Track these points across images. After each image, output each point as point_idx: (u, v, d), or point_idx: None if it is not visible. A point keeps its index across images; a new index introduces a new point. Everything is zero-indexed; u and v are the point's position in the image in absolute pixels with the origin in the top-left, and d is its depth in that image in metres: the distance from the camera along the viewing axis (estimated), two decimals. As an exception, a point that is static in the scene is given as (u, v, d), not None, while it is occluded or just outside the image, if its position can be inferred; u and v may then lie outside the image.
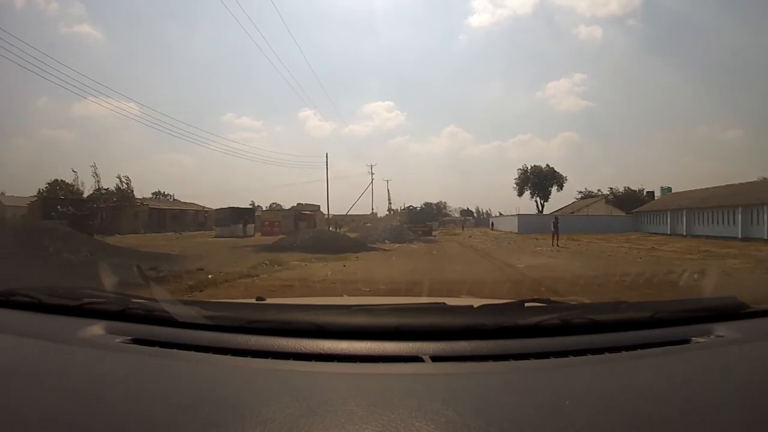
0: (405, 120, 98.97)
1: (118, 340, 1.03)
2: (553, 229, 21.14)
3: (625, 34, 79.10)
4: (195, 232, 36.67)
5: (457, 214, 76.33)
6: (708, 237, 26.14)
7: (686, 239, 25.78)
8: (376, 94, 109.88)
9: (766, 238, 24.03)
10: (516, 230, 37.67)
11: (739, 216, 26.34)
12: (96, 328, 1.09)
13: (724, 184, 31.78)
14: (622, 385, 0.82)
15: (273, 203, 53.32)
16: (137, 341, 1.02)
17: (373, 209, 56.04)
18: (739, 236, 25.60)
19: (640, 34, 77.08)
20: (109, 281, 2.00)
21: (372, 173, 52.52)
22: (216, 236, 30.10)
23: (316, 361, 0.91)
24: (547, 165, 56.58)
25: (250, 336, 1.01)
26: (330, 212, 45.74)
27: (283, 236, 21.65)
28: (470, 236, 32.86)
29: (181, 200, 50.21)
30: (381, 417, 0.66)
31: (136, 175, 71.11)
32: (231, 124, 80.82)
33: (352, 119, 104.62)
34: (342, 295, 3.58)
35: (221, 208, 38.43)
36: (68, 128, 73.31)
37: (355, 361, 0.91)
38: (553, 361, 0.91)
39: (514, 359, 0.90)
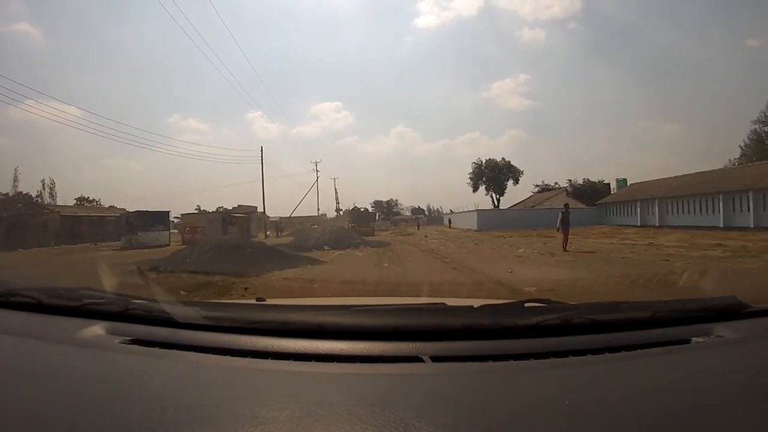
0: (353, 120, 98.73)
1: (118, 340, 1.02)
2: (559, 225, 14.30)
3: (567, 36, 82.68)
4: (114, 242, 30.22)
5: (408, 213, 74.37)
6: (687, 227, 23.66)
7: (665, 231, 23.02)
8: (324, 94, 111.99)
9: (752, 226, 21.65)
10: (475, 227, 34.03)
11: (721, 204, 23.94)
12: (96, 329, 1.08)
13: (667, 176, 30.99)
14: (622, 385, 0.81)
15: (220, 207, 47.63)
16: (137, 342, 1.01)
17: (318, 209, 52.03)
18: (721, 225, 23.25)
19: (581, 36, 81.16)
20: (108, 282, 1.96)
21: (317, 170, 48.51)
22: (122, 247, 23.92)
23: (315, 361, 0.90)
24: (503, 158, 54.11)
25: (250, 336, 1.00)
26: (277, 214, 41.82)
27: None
28: (426, 236, 28.56)
29: (117, 206, 43.65)
30: (381, 417, 0.65)
31: (81, 181, 68.02)
32: (177, 126, 77.68)
33: (301, 120, 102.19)
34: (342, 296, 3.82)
35: (127, 213, 31.88)
36: (7, 134, 64.21)
37: (355, 362, 0.90)
38: (553, 361, 0.89)
39: (514, 359, 0.89)
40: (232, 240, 15.83)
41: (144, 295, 1.27)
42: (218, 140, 80.00)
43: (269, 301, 1.62)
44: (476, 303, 1.16)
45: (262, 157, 39.87)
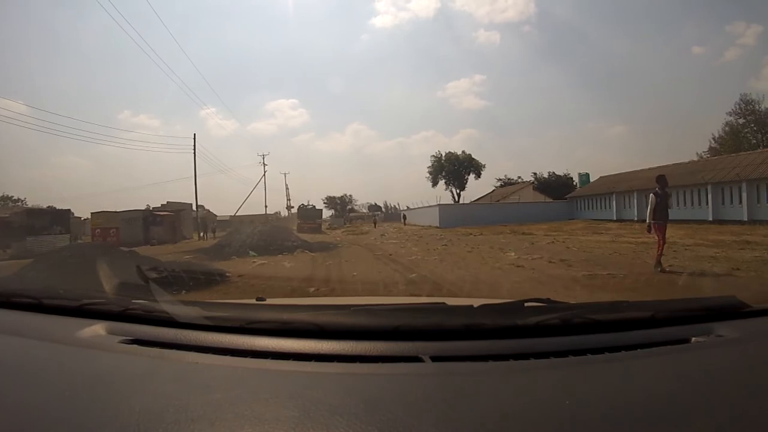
0: (309, 118, 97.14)
1: (118, 340, 1.02)
2: (650, 219, 7.89)
3: (521, 39, 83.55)
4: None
5: (364, 210, 70.53)
6: (672, 221, 21.06)
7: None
8: (279, 91, 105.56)
9: (746, 219, 19.22)
10: (437, 224, 30.41)
11: (710, 196, 21.53)
12: (96, 329, 1.08)
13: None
14: (622, 385, 0.81)
15: (169, 201, 41.48)
16: (137, 342, 1.01)
17: (266, 207, 47.29)
18: (710, 219, 20.81)
19: (534, 39, 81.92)
20: (108, 282, 1.96)
21: (264, 164, 43.81)
22: (11, 258, 17.87)
23: (316, 361, 0.90)
24: (463, 151, 51.05)
25: (250, 336, 1.00)
26: (226, 213, 39.19)
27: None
28: (383, 235, 24.51)
29: (57, 206, 36.15)
30: (381, 417, 0.65)
31: (30, 180, 60.40)
32: (128, 122, 73.42)
33: (256, 117, 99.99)
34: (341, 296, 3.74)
35: (14, 213, 25.60)
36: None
37: (355, 361, 0.89)
38: (553, 361, 0.88)
39: (514, 359, 0.88)
40: (96, 249, 10.84)
41: (144, 295, 1.26)
42: (171, 136, 74.83)
43: (269, 301, 1.59)
44: (476, 302, 1.14)
45: (194, 145, 34.37)
